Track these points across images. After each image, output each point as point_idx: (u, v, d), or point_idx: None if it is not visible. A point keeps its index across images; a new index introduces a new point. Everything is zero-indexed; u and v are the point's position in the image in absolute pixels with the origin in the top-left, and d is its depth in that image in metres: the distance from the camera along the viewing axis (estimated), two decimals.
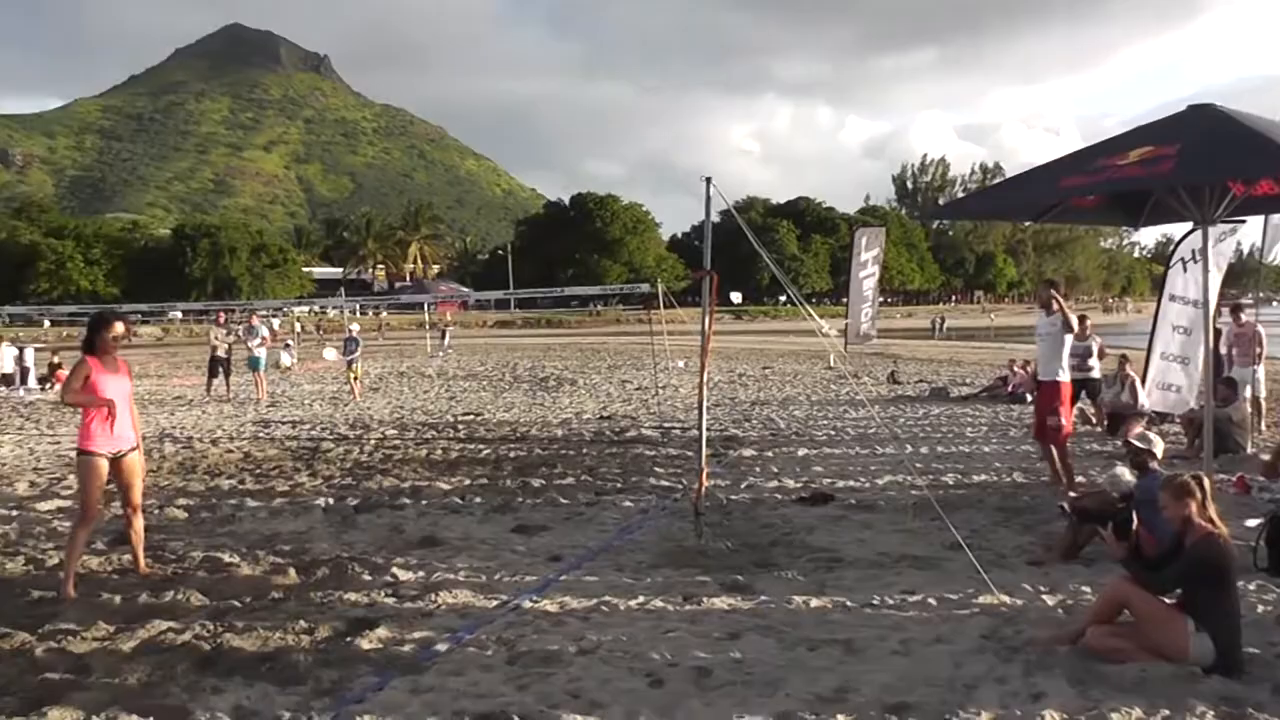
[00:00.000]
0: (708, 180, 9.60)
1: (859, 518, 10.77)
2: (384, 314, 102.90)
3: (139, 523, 8.97)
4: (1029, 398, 19.85)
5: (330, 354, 33.82)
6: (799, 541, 9.72)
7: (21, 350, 35.25)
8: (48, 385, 33.00)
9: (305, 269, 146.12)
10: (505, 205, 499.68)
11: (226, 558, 9.35)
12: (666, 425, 19.00)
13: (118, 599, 8.14)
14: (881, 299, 29.16)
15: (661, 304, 25.60)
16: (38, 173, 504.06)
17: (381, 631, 7.04)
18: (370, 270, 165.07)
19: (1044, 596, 7.76)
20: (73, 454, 16.43)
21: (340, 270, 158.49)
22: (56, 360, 35.00)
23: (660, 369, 27.23)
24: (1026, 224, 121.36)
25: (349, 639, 6.91)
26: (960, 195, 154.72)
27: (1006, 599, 7.66)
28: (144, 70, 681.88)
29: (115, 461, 8.61)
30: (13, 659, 6.80)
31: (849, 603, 7.65)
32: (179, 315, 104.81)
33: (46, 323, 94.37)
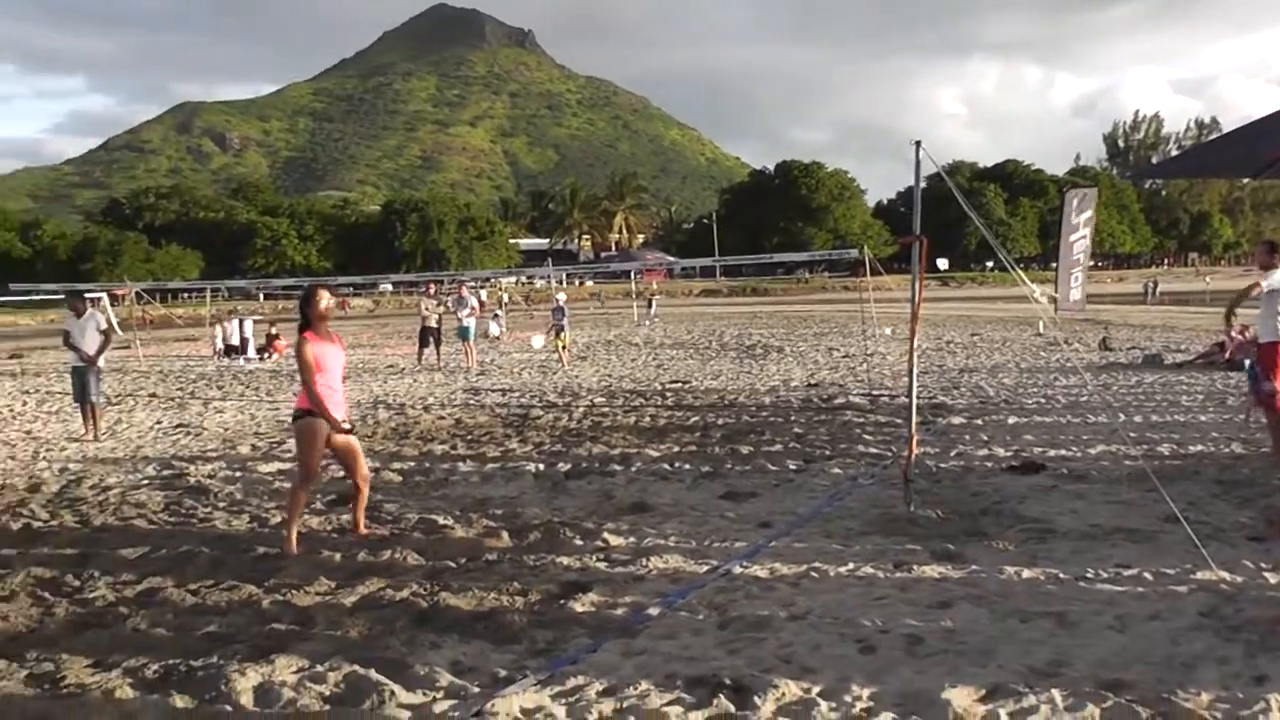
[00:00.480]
0: (917, 144, 9.44)
1: (1071, 488, 10.49)
2: (590, 284, 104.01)
3: (365, 490, 9.26)
4: (1247, 364, 19.09)
5: (539, 341, 34.30)
6: (1009, 511, 9.52)
7: (241, 322, 36.66)
8: (266, 355, 34.30)
9: (512, 240, 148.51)
10: (710, 174, 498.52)
11: (441, 520, 9.59)
12: (875, 392, 18.83)
13: (338, 556, 8.44)
14: (1091, 263, 28.20)
15: (868, 270, 25.35)
16: (253, 155, 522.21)
17: (594, 595, 7.12)
18: (576, 240, 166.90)
19: (1266, 574, 7.39)
20: (290, 419, 17.20)
21: (546, 241, 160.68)
22: (274, 331, 36.32)
23: (867, 336, 26.97)
24: (1245, 181, 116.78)
25: (562, 601, 7.02)
26: (1174, 153, 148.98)
27: (1226, 575, 7.32)
28: (353, 53, 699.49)
29: (334, 430, 8.88)
30: (241, 609, 7.13)
31: (1061, 575, 7.44)
32: (389, 288, 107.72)
33: (261, 296, 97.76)
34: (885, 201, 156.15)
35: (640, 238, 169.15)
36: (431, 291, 31.95)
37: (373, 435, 15.19)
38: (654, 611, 6.79)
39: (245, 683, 5.64)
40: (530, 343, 34.82)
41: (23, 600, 7.68)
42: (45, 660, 6.30)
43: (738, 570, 7.73)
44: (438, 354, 28.68)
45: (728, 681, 5.49)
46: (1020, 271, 11.88)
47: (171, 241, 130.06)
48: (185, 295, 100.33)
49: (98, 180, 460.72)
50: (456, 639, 6.34)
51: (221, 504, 10.75)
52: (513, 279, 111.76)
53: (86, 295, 18.27)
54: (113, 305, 50.73)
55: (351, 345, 36.76)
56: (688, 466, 12.13)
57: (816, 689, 5.45)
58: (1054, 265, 35.81)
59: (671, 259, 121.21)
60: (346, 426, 8.93)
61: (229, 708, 5.42)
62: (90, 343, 16.57)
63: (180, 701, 5.51)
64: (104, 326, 17.02)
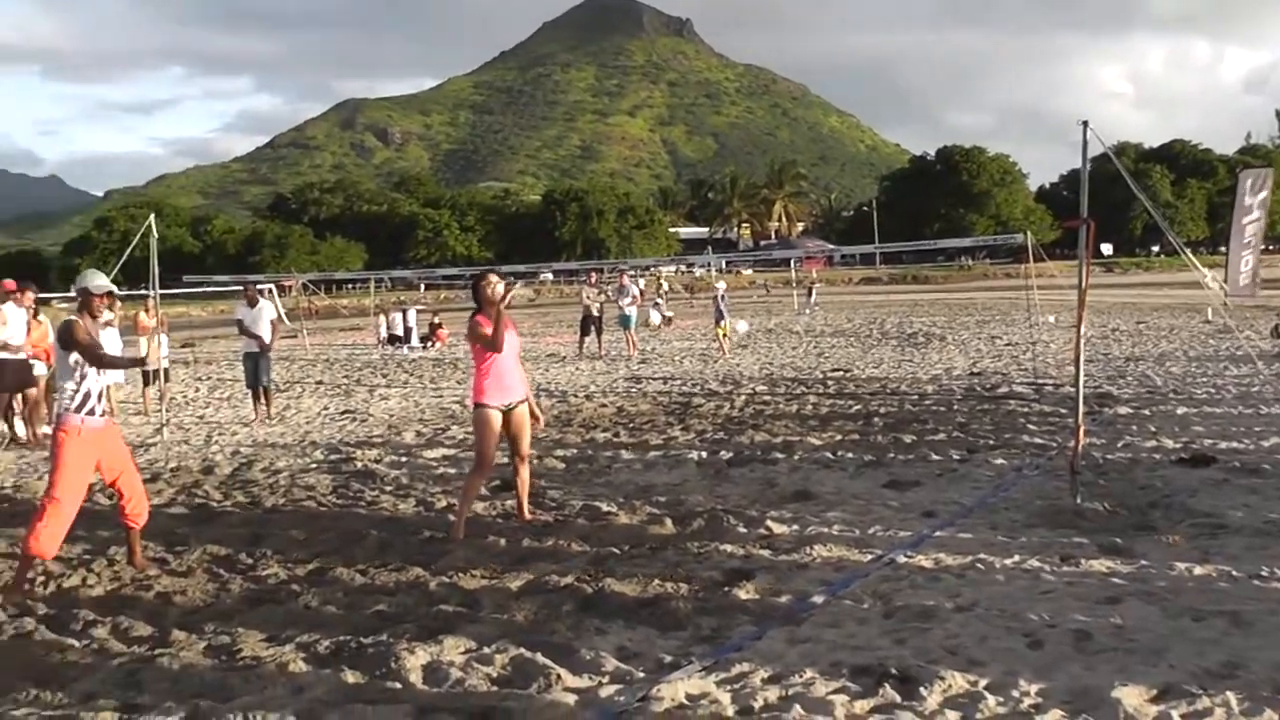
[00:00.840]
0: (1084, 124, 9.20)
1: (1244, 482, 10.11)
2: (749, 272, 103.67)
3: (525, 472, 9.35)
4: None
5: (743, 326, 34.39)
6: (1179, 505, 9.22)
7: (405, 312, 37.32)
8: (429, 344, 34.86)
9: (671, 229, 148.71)
10: (869, 161, 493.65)
11: (604, 506, 9.66)
12: (1039, 381, 18.46)
13: (503, 541, 8.54)
14: (1264, 246, 27.01)
15: (1031, 257, 24.85)
16: (415, 148, 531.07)
17: (758, 582, 7.08)
18: (735, 229, 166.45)
19: None
20: (454, 406, 17.53)
21: (706, 229, 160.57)
22: (437, 321, 36.93)
23: (1031, 324, 26.47)
24: None
25: (726, 589, 7.00)
26: None
27: None
28: (513, 46, 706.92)
29: (506, 413, 9.01)
30: (409, 590, 7.26)
31: (1235, 572, 7.15)
32: (550, 277, 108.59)
33: (422, 286, 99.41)
34: (1048, 185, 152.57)
35: (800, 226, 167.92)
36: (593, 280, 32.09)
37: (535, 422, 15.33)
38: (818, 599, 6.74)
39: (414, 661, 5.74)
40: (736, 328, 34.66)
41: (199, 576, 7.97)
42: (222, 633, 6.52)
43: (902, 560, 7.63)
44: (599, 342, 28.88)
45: (893, 671, 5.42)
46: (1191, 255, 11.51)
47: (336, 234, 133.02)
48: (350, 286, 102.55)
49: (264, 176, 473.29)
50: (622, 624, 6.37)
51: (388, 488, 10.98)
52: (672, 268, 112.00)
53: (256, 285, 18.81)
54: (280, 296, 51.98)
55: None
56: (850, 455, 12.03)
57: (983, 682, 5.34)
58: (1223, 249, 34.65)
59: (831, 246, 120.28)
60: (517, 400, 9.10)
61: (398, 685, 5.51)
62: (264, 330, 17.09)
63: (351, 677, 5.63)
64: (275, 315, 17.54)
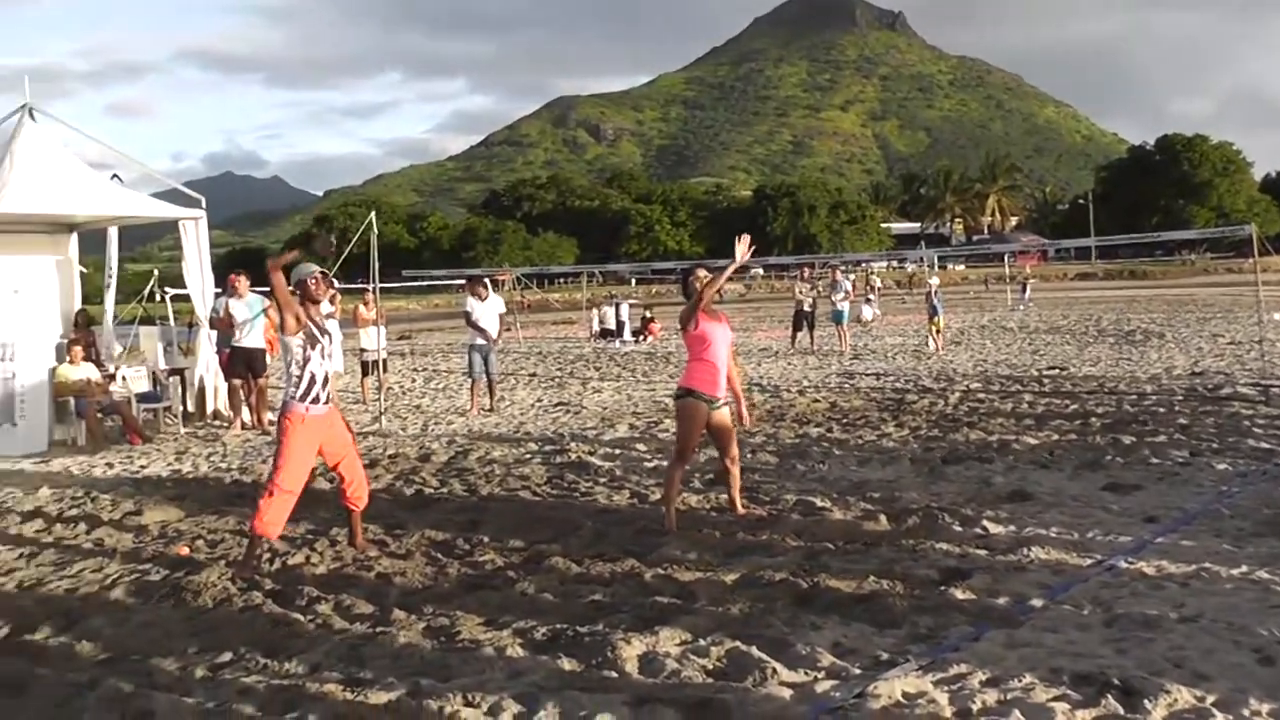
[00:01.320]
0: None
1: None
2: (961, 268, 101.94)
3: (735, 471, 9.30)
4: None
5: (869, 312, 33.97)
6: None
7: (618, 306, 37.65)
8: (641, 338, 35.11)
9: (883, 224, 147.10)
10: (1085, 152, 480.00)
11: (818, 502, 9.56)
12: (1265, 383, 17.69)
13: (717, 534, 8.54)
14: None
15: (1256, 250, 23.85)
16: (627, 144, 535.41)
17: (975, 582, 6.91)
18: (948, 224, 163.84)
19: None
20: (666, 400, 17.58)
21: (917, 225, 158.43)
22: (649, 315, 37.15)
23: (1255, 321, 25.41)
24: None
25: (943, 588, 6.85)
26: None
27: None
28: (724, 41, 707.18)
29: (711, 410, 8.94)
30: (624, 581, 7.31)
31: None
32: (760, 272, 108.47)
33: (634, 280, 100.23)
34: (1274, 174, 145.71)
35: (1013, 220, 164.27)
36: (805, 275, 31.87)
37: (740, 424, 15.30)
38: (1037, 603, 6.54)
39: (630, 651, 5.76)
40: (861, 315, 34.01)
41: (418, 559, 8.19)
42: (441, 615, 6.68)
43: (1123, 565, 7.35)
44: (811, 337, 28.70)
45: (1116, 681, 5.20)
46: None
47: (548, 229, 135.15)
48: (562, 280, 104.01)
49: (478, 174, 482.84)
50: (837, 620, 6.28)
51: (602, 479, 11.08)
52: (883, 263, 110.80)
53: (484, 280, 19.29)
54: (493, 290, 53.04)
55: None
56: (1067, 455, 11.69)
57: (1210, 698, 5.07)
58: None
59: (1045, 241, 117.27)
60: (721, 403, 9.02)
61: (614, 674, 5.54)
62: (491, 323, 17.52)
63: (568, 664, 5.68)
64: (503, 310, 18.00)
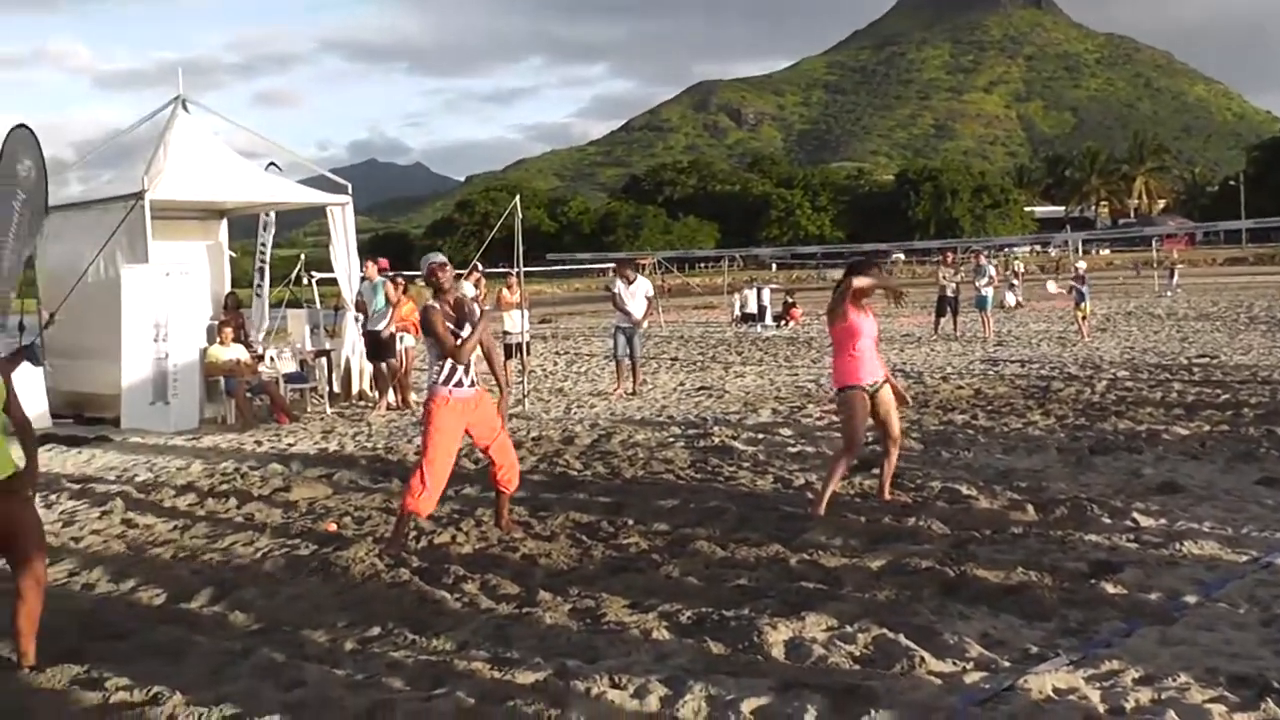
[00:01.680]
0: None
1: None
2: (1106, 252, 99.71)
3: (895, 453, 9.23)
4: None
5: (1004, 297, 33.33)
6: None
7: (759, 291, 37.56)
8: (782, 322, 34.98)
9: (1026, 208, 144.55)
10: (1236, 131, 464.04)
11: (964, 490, 9.41)
12: None
13: (862, 520, 8.46)
14: None
15: None
16: (768, 129, 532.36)
17: (1126, 577, 6.71)
18: (1093, 207, 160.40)
19: None
20: (809, 385, 17.52)
21: (1062, 208, 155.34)
22: (791, 300, 37.00)
23: None
24: None
25: (1092, 581, 6.68)
26: None
27: None
28: (866, 24, 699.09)
29: (872, 394, 8.91)
30: (770, 565, 7.28)
31: None
32: (901, 257, 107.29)
33: (774, 265, 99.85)
34: None
35: (1160, 203, 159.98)
36: (949, 260, 31.44)
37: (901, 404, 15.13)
38: (1190, 600, 6.34)
39: (777, 636, 5.74)
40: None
41: (563, 541, 8.26)
42: (586, 597, 6.73)
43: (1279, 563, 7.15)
44: (954, 323, 28.34)
45: (1276, 685, 5.01)
46: None
47: (689, 214, 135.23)
48: (702, 265, 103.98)
49: (619, 159, 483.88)
50: (985, 611, 6.18)
51: (745, 464, 11.04)
52: (1026, 248, 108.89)
53: (633, 262, 19.43)
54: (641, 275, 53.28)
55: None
56: (1219, 447, 11.33)
57: None
58: None
59: (1194, 224, 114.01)
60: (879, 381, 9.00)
61: (760, 658, 5.52)
62: (637, 307, 17.61)
63: (715, 648, 5.68)
64: (650, 293, 18.06)
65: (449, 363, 8.29)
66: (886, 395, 9.06)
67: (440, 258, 8.64)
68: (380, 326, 16.88)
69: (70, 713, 5.39)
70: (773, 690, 5.04)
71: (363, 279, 17.76)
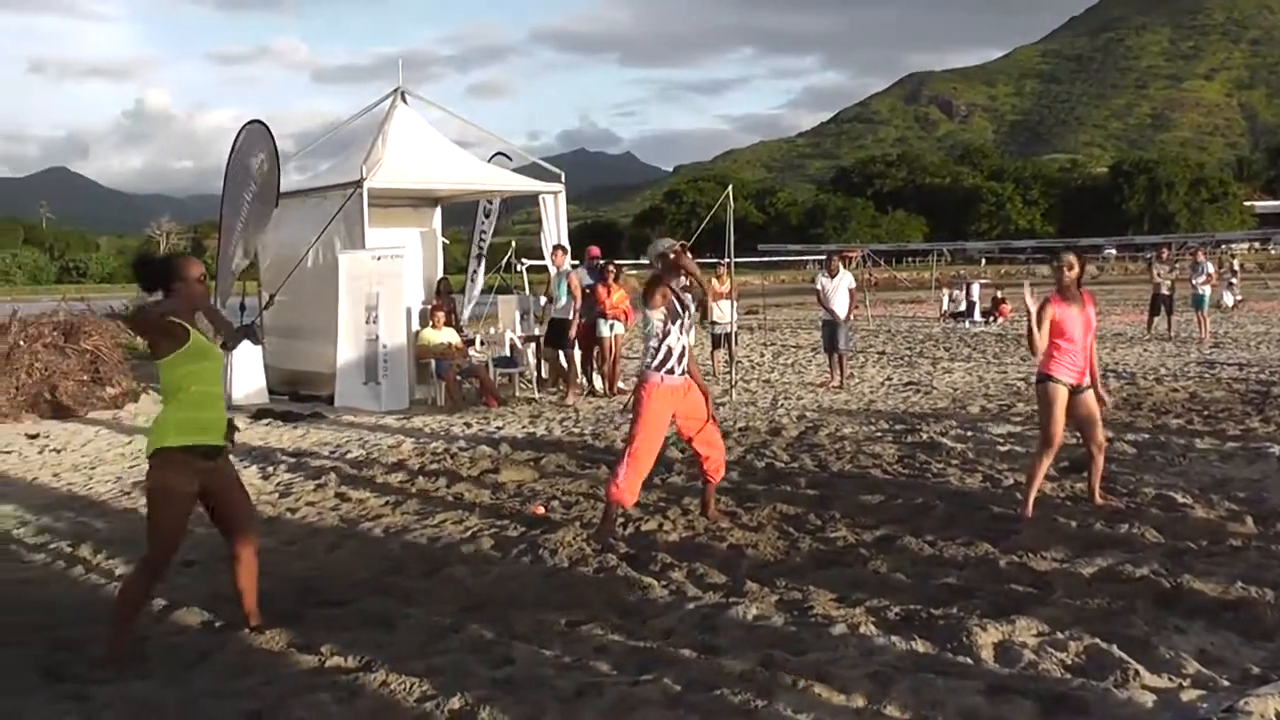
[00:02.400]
0: None
1: None
2: None
3: (1100, 459, 8.94)
4: None
5: (1229, 298, 31.94)
6: None
7: (968, 286, 36.93)
8: (992, 318, 34.32)
9: (1246, 202, 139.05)
10: None
11: (1179, 498, 9.03)
12: None
13: (1073, 524, 8.21)
14: None
15: None
16: (979, 120, 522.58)
17: None
18: None
19: None
20: (1018, 382, 17.16)
21: None
22: (1000, 295, 36.27)
23: None
24: None
25: None
26: None
27: None
28: (1082, 10, 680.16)
29: (1074, 395, 8.63)
30: (978, 565, 7.15)
31: None
32: (1113, 253, 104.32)
33: (984, 260, 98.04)
34: None
35: None
36: (1164, 256, 30.36)
37: (1103, 404, 14.68)
38: None
39: (986, 638, 5.63)
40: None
41: (769, 532, 8.25)
42: (793, 589, 6.71)
43: None
44: (1169, 323, 27.38)
45: None
46: None
47: (897, 207, 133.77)
48: (909, 259, 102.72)
49: (827, 151, 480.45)
50: (1202, 626, 5.90)
51: (954, 461, 10.85)
52: (1245, 245, 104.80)
53: (842, 255, 19.38)
54: (843, 267, 52.91)
55: None
56: None
57: None
58: None
59: None
60: (1085, 385, 8.71)
61: (969, 660, 5.43)
62: (840, 301, 17.61)
63: (921, 646, 5.61)
64: (853, 286, 17.99)
65: (664, 348, 8.34)
66: (1090, 400, 8.76)
67: (676, 244, 8.65)
68: (564, 315, 17.08)
69: (287, 674, 5.60)
70: (981, 693, 4.95)
71: (575, 265, 17.97)
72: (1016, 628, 5.79)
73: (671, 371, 8.36)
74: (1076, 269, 8.74)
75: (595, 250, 18.99)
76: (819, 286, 18.14)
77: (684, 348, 8.45)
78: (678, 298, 8.48)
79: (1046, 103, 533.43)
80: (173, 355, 5.99)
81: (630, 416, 8.69)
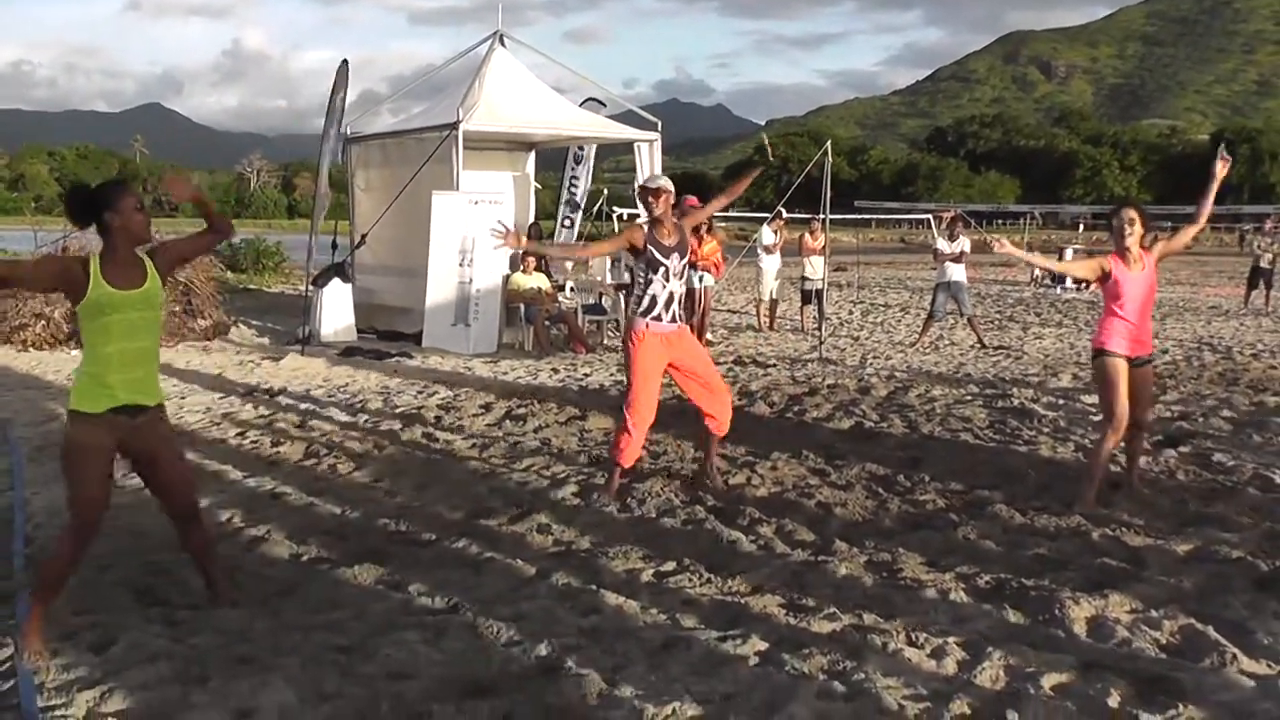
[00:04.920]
0: None
1: None
2: None
3: (1142, 440, 8.45)
4: None
5: None
6: None
7: (1061, 252, 36.41)
8: (1083, 285, 33.81)
9: None
10: None
11: (1277, 479, 8.74)
12: None
13: (1165, 501, 8.00)
14: None
15: None
16: (1078, 82, 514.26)
17: None
18: None
19: None
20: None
21: None
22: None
23: None
24: None
25: None
26: None
27: None
28: None
29: (1133, 368, 7.96)
30: (1070, 537, 7.01)
31: None
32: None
33: (1080, 226, 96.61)
34: None
35: None
36: (1268, 228, 29.61)
37: (1198, 378, 14.43)
38: None
39: (1079, 612, 5.53)
40: None
41: (858, 492, 8.17)
42: (882, 550, 6.65)
43: None
44: (1267, 297, 26.76)
45: None
46: None
47: (991, 169, 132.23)
48: (1000, 221, 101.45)
49: (922, 110, 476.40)
50: None
51: (1045, 429, 10.63)
52: None
53: (964, 219, 19.24)
54: (936, 228, 52.36)
55: (1169, 282, 35.41)
56: None
57: None
58: None
59: None
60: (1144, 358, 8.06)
61: (1060, 633, 5.33)
62: (955, 266, 17.83)
63: (1013, 616, 5.53)
64: (965, 249, 17.89)
65: (648, 296, 8.04)
66: (1145, 375, 8.11)
67: (660, 182, 8.24)
68: None
69: (375, 611, 5.65)
70: (1074, 668, 4.87)
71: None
72: (1109, 603, 5.68)
73: (659, 318, 8.04)
74: (1139, 227, 7.93)
75: (693, 200, 18.89)
76: (938, 248, 18.20)
77: (671, 294, 8.09)
78: (658, 246, 8.10)
79: (1149, 66, 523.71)
80: (78, 308, 5.32)
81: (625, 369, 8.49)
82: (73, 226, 5.65)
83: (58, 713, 4.56)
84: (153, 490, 5.73)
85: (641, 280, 8.11)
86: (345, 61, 17.71)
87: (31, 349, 15.95)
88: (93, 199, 5.28)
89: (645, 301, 8.06)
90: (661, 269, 8.03)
